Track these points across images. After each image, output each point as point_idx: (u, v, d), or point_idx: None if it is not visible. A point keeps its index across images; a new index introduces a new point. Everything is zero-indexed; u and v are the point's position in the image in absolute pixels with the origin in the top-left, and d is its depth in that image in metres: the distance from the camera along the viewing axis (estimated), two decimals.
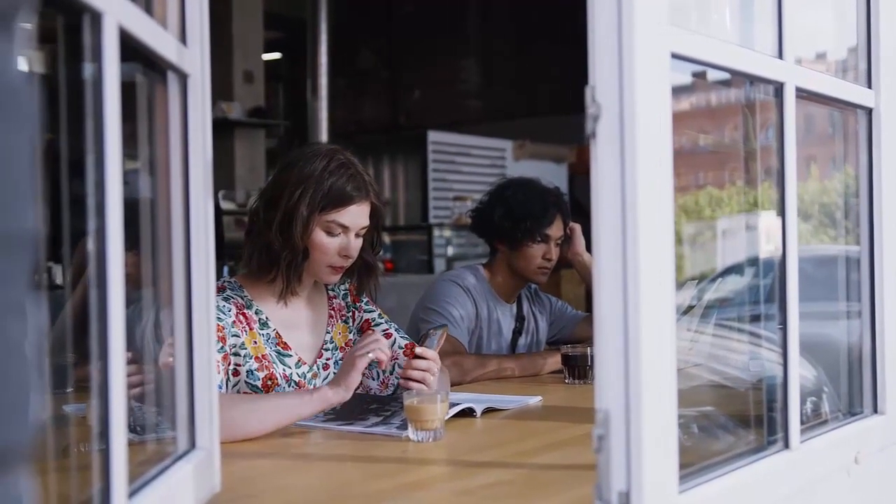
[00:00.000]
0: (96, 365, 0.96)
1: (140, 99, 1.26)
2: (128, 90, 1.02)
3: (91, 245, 0.96)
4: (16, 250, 0.50)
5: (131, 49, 1.06)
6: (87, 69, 0.96)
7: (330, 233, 2.09)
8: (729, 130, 1.95)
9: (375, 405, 2.06)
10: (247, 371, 2.05)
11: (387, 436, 1.84)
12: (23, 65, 0.53)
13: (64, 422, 1.44)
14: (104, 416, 0.96)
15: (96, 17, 0.95)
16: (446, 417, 1.84)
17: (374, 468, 1.64)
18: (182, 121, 1.30)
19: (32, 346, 0.53)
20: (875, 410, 1.73)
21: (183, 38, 1.29)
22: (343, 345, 2.26)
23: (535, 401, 2.27)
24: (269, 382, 2.06)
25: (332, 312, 2.27)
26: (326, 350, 2.22)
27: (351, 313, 2.30)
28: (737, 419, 1.64)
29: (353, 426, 1.92)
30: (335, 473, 1.65)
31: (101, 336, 0.96)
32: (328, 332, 2.23)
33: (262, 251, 2.10)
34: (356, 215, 2.10)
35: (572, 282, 6.29)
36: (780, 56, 1.45)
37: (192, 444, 1.31)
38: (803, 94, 1.50)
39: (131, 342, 1.01)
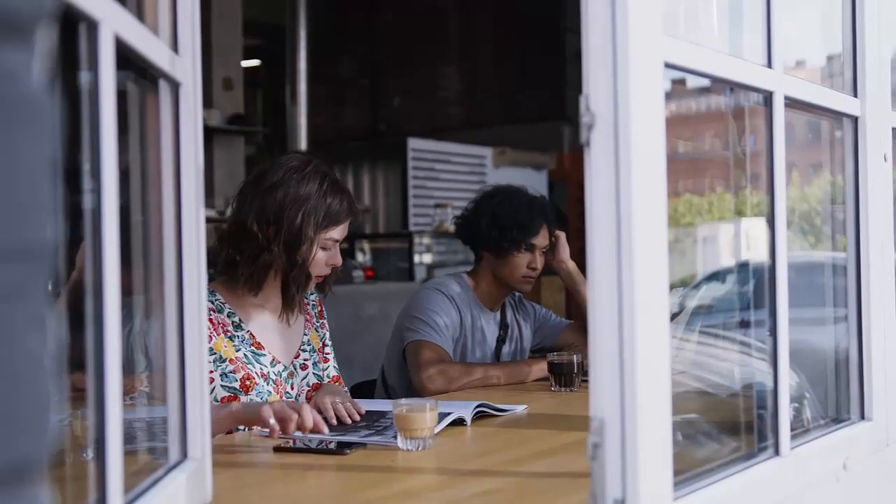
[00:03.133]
0: (92, 376, 0.95)
1: (131, 107, 1.25)
2: (119, 98, 1.01)
3: (87, 253, 0.95)
4: (36, 262, 0.50)
5: (124, 57, 1.05)
6: (83, 77, 0.96)
7: (325, 248, 2.20)
8: (709, 137, 1.96)
9: (366, 421, 2.05)
10: (221, 374, 2.10)
11: (382, 444, 1.82)
12: (41, 76, 0.53)
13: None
14: (100, 427, 0.95)
15: (92, 26, 0.94)
16: (438, 430, 1.83)
17: (364, 478, 1.63)
18: (174, 129, 1.29)
19: (51, 359, 0.52)
20: (862, 417, 1.74)
21: (175, 46, 1.29)
22: (317, 349, 2.34)
23: (520, 409, 2.26)
24: (248, 382, 2.13)
25: (308, 317, 2.36)
26: (304, 351, 2.30)
27: (320, 323, 2.40)
28: (725, 426, 1.65)
29: (346, 437, 1.90)
30: (326, 483, 1.64)
31: (97, 347, 0.95)
32: (305, 335, 2.32)
33: (262, 268, 2.14)
34: (345, 228, 2.23)
35: (552, 288, 6.29)
36: (769, 65, 1.45)
37: (184, 455, 1.30)
38: (791, 103, 1.51)
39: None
